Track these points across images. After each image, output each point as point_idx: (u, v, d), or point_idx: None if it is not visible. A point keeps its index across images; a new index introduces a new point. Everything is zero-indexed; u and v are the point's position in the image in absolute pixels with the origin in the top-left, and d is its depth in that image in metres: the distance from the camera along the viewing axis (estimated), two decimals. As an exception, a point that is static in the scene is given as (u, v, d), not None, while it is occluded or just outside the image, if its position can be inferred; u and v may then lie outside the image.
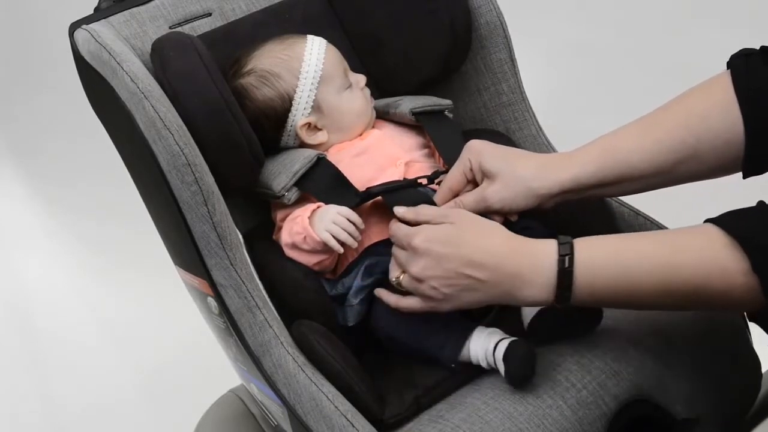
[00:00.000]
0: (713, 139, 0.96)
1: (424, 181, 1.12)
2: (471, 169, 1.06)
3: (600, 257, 0.92)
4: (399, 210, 1.04)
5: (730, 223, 0.88)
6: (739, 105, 0.95)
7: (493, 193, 1.03)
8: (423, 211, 1.02)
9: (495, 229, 0.98)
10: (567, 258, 0.91)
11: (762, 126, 0.95)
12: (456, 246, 0.96)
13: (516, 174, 1.02)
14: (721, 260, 0.87)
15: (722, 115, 0.96)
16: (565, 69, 2.29)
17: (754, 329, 1.12)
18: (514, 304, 0.97)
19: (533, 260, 0.94)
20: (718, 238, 0.87)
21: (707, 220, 0.90)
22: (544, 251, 0.93)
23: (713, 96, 0.97)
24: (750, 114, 0.95)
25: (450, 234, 0.98)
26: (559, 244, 0.93)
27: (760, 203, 0.91)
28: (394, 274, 1.02)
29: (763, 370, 1.13)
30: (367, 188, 1.11)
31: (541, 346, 1.03)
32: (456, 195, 1.07)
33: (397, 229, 1.02)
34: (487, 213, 1.03)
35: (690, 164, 0.98)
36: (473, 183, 1.07)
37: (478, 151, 1.05)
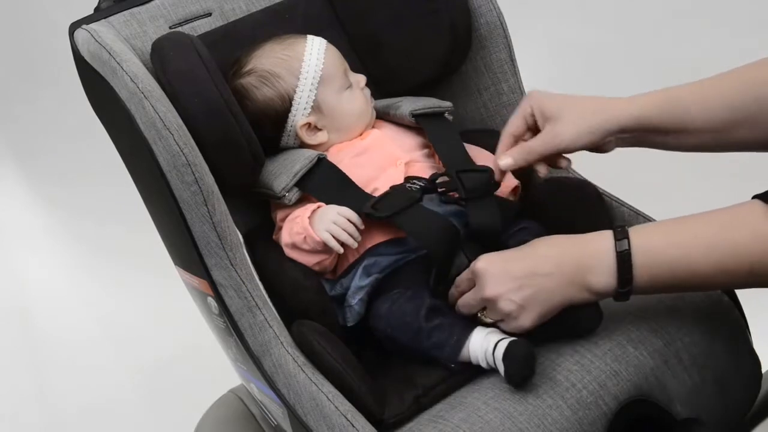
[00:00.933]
0: None
1: (429, 184, 1.12)
2: (532, 115, 1.06)
3: (655, 240, 0.93)
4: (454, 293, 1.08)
5: None
6: None
7: (561, 130, 1.02)
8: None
9: (540, 238, 1.02)
10: (625, 241, 0.93)
11: None
12: (513, 257, 1.00)
13: (579, 110, 1.02)
14: None
15: None
16: (565, 69, 2.29)
17: (754, 329, 1.12)
18: (588, 297, 0.96)
19: (590, 246, 0.96)
20: (764, 216, 0.88)
21: (755, 196, 0.90)
22: (599, 237, 0.95)
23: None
24: None
25: (505, 252, 1.02)
26: (614, 230, 0.94)
27: None
28: (479, 317, 1.05)
29: (763, 370, 1.13)
30: (373, 204, 1.10)
31: (541, 346, 1.04)
32: (516, 141, 1.08)
33: (459, 281, 1.06)
34: (555, 153, 1.04)
35: (746, 128, 0.98)
36: (532, 131, 1.07)
37: (539, 98, 1.06)
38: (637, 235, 0.94)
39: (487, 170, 1.13)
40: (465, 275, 1.05)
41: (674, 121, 1.00)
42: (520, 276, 0.98)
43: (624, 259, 0.93)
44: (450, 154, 1.16)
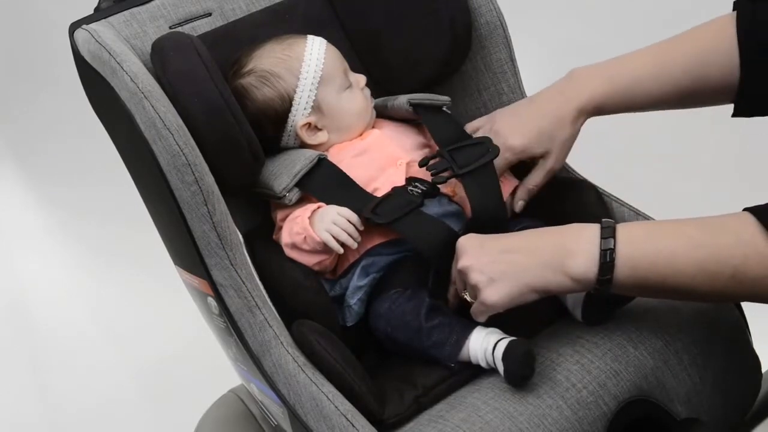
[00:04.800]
0: (712, 75, 1.03)
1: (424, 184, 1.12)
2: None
3: (640, 233, 0.93)
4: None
5: (763, 212, 0.88)
6: (738, 45, 1.01)
7: (553, 165, 1.13)
8: None
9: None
10: (609, 229, 0.93)
11: (757, 71, 1.00)
12: (494, 236, 1.02)
13: (533, 129, 1.12)
14: (758, 244, 0.87)
15: (722, 54, 1.02)
16: (565, 69, 2.29)
17: (754, 329, 1.12)
18: (566, 283, 0.95)
19: (573, 232, 0.96)
20: (754, 225, 0.88)
21: (745, 209, 0.90)
22: (583, 226, 0.96)
23: (716, 35, 1.04)
24: (747, 56, 1.00)
25: (489, 234, 1.03)
26: (602, 228, 0.94)
27: None
28: (462, 296, 1.05)
29: (763, 370, 1.13)
30: (373, 208, 1.09)
31: (541, 346, 1.04)
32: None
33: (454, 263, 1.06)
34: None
35: (690, 97, 1.06)
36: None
37: (495, 118, 1.17)
38: (622, 227, 0.94)
39: (483, 141, 1.12)
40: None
41: (623, 105, 1.09)
42: (494, 251, 0.98)
43: (607, 243, 0.92)
44: (446, 136, 1.16)
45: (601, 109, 1.10)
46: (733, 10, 1.03)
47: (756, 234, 0.87)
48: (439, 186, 1.11)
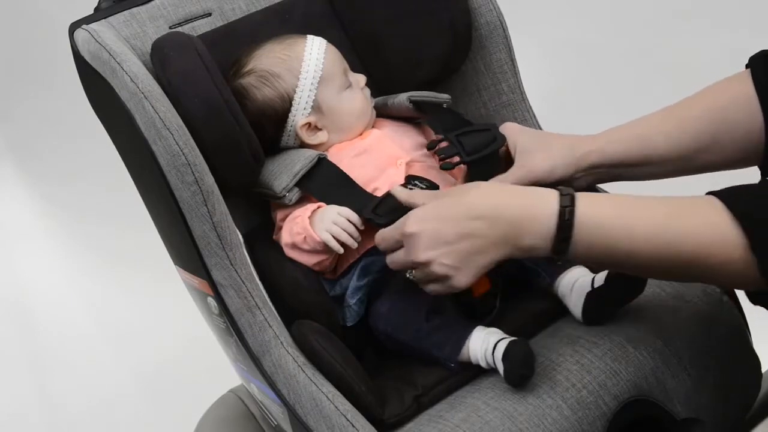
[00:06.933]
0: (732, 131, 0.99)
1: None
2: (506, 147, 1.11)
3: (601, 212, 0.90)
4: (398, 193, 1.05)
5: (730, 197, 0.87)
6: (759, 101, 0.97)
7: (535, 165, 1.07)
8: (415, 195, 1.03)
9: (485, 182, 1.00)
10: (567, 210, 0.90)
11: None
12: (447, 212, 0.95)
13: (553, 146, 1.08)
14: (723, 230, 0.86)
15: (742, 108, 0.99)
16: (564, 69, 2.29)
17: (754, 329, 1.12)
18: (519, 255, 0.94)
19: (532, 210, 0.92)
20: (720, 210, 0.86)
21: (709, 192, 0.89)
22: (544, 199, 0.92)
23: (733, 90, 1.00)
24: None
25: (438, 205, 0.97)
26: (561, 194, 0.91)
27: (763, 181, 0.91)
28: (406, 275, 1.01)
29: (763, 370, 1.13)
30: (374, 208, 1.09)
31: (541, 346, 1.04)
32: None
33: (383, 233, 1.01)
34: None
35: (711, 152, 1.02)
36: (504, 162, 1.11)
37: (515, 131, 1.11)
38: (584, 204, 0.91)
39: (490, 128, 1.12)
40: (391, 234, 1.00)
41: (641, 154, 1.05)
42: (452, 240, 0.94)
43: (564, 228, 0.89)
44: (450, 125, 1.15)
45: (615, 160, 1.06)
46: (747, 67, 1.00)
47: (721, 220, 0.85)
48: (438, 185, 1.12)
